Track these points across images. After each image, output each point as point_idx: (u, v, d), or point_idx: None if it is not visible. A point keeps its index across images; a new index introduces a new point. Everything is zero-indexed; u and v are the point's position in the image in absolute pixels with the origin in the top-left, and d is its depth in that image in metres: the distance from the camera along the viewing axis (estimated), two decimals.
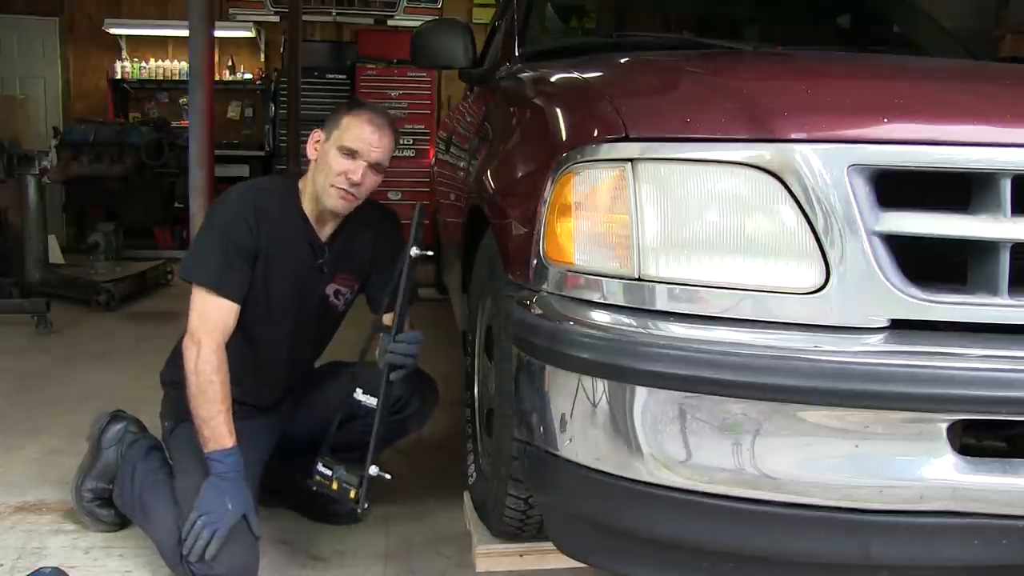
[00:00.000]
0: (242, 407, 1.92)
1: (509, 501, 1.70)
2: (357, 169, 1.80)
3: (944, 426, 1.13)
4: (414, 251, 1.76)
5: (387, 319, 1.84)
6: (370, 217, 1.96)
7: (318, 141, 1.87)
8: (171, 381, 1.97)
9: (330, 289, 1.94)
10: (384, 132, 1.84)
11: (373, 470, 1.74)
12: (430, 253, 1.83)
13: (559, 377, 1.30)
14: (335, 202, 1.83)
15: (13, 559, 1.85)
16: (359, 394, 1.80)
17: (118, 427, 2.00)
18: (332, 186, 1.81)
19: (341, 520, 2.04)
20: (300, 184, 1.91)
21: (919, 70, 1.81)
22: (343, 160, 1.81)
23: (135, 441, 1.98)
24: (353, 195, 1.83)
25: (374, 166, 1.83)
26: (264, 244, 1.82)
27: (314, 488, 1.83)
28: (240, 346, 1.88)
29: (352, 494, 1.76)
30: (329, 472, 1.80)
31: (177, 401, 1.93)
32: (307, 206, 1.89)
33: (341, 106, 1.93)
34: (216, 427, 1.71)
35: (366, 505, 1.75)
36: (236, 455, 1.72)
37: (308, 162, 1.91)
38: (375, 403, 1.77)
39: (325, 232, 1.92)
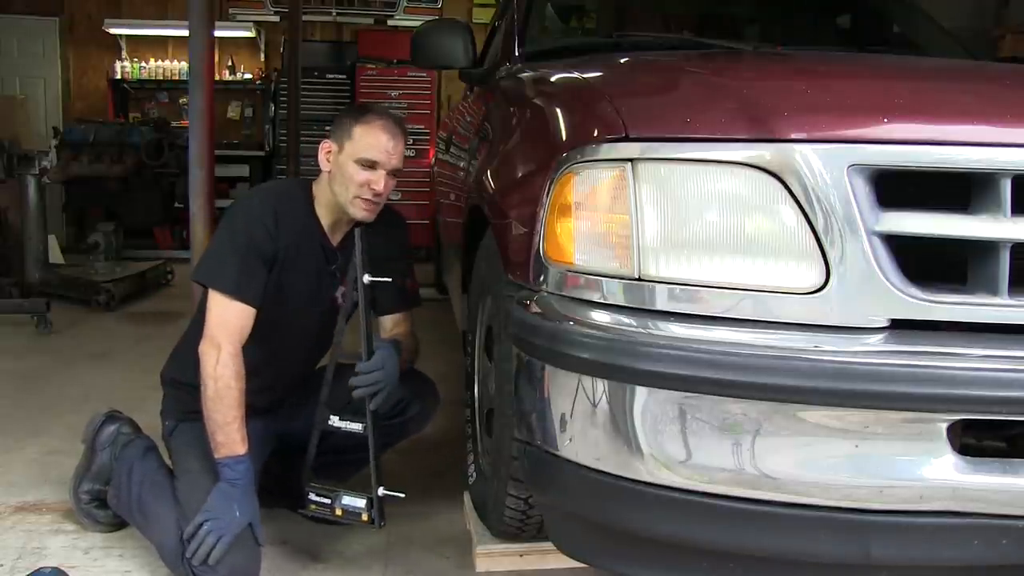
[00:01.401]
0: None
1: (509, 501, 1.70)
2: (379, 179, 1.82)
3: (944, 426, 1.13)
4: (366, 278, 1.75)
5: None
6: (379, 221, 1.96)
7: (329, 152, 1.87)
8: (172, 380, 1.97)
9: (339, 292, 1.95)
10: (399, 139, 1.86)
11: (380, 491, 1.75)
12: (388, 279, 1.82)
13: (559, 377, 1.30)
14: (362, 213, 1.85)
15: (13, 559, 1.85)
16: (336, 421, 1.79)
17: (112, 428, 2.00)
18: (356, 197, 1.83)
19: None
20: (314, 190, 1.91)
21: (919, 70, 1.81)
22: (363, 172, 1.82)
23: (129, 442, 1.98)
24: (376, 204, 1.85)
25: (392, 172, 1.85)
26: (282, 248, 1.82)
27: (310, 517, 1.82)
28: (247, 347, 1.88)
29: (364, 517, 1.76)
30: (327, 500, 1.80)
31: (179, 400, 1.94)
32: (321, 213, 1.90)
33: (345, 114, 1.92)
34: (230, 433, 1.71)
35: (383, 523, 1.77)
36: (247, 462, 1.72)
37: (322, 170, 1.90)
38: (358, 427, 1.77)
39: (337, 237, 1.93)
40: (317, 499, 1.80)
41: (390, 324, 2.01)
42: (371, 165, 1.81)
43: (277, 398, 2.00)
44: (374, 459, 1.77)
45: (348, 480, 2.08)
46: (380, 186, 1.82)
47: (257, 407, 1.94)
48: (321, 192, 1.90)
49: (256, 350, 1.83)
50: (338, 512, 1.79)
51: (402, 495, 1.75)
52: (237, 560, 1.67)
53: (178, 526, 1.72)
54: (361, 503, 1.77)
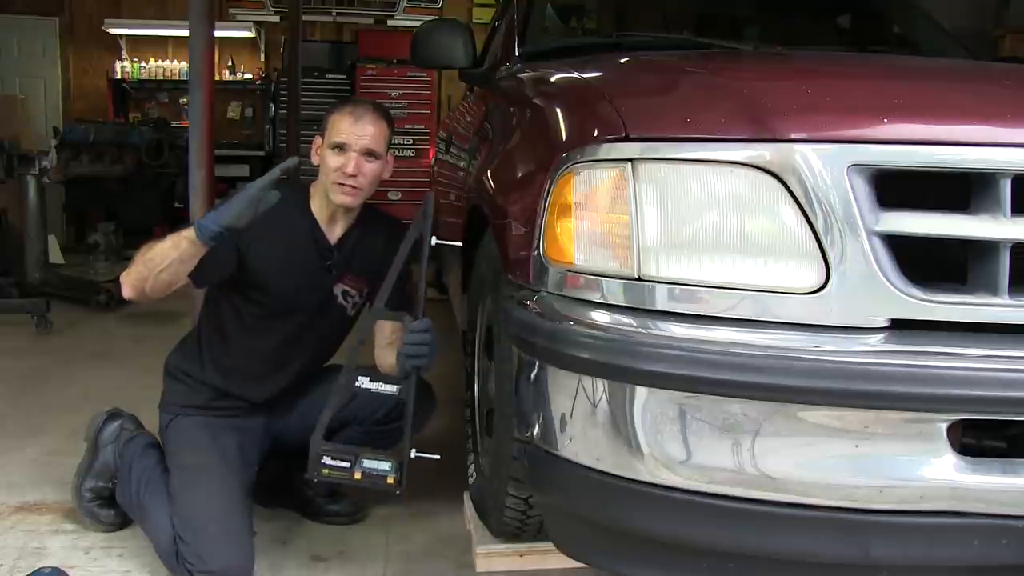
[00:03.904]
0: (237, 402, 1.94)
1: (509, 501, 1.70)
2: (348, 161, 1.84)
3: (944, 426, 1.13)
4: (433, 240, 1.71)
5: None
6: (381, 226, 1.99)
7: (319, 147, 1.91)
8: (176, 368, 1.98)
9: (338, 289, 1.96)
10: (364, 119, 1.86)
11: (413, 453, 1.66)
12: (458, 243, 1.94)
13: (559, 377, 1.30)
14: (340, 197, 1.87)
15: (13, 559, 1.85)
16: (366, 382, 1.66)
17: (114, 425, 2.02)
18: (333, 183, 1.86)
19: (341, 520, 2.05)
20: (311, 188, 1.95)
21: (919, 70, 1.81)
22: (335, 156, 1.85)
23: (131, 438, 1.99)
24: (354, 187, 1.86)
25: (366, 154, 1.86)
26: (257, 233, 1.78)
27: (316, 480, 1.68)
28: (244, 338, 1.91)
29: (390, 479, 1.65)
30: (346, 463, 1.65)
31: (179, 393, 1.95)
32: (317, 208, 1.93)
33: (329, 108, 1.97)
34: (169, 238, 1.70)
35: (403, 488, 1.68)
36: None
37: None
38: (392, 389, 1.68)
39: (335, 233, 1.94)
40: (333, 463, 1.64)
41: (390, 329, 2.00)
42: (340, 148, 1.84)
43: (276, 393, 1.99)
44: (409, 423, 1.67)
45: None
46: (350, 168, 1.83)
47: (254, 400, 1.95)
48: (316, 188, 1.93)
49: (252, 340, 1.87)
50: (357, 476, 1.64)
51: (436, 456, 1.66)
52: (230, 550, 1.68)
53: (171, 522, 1.73)
54: (386, 465, 1.65)
